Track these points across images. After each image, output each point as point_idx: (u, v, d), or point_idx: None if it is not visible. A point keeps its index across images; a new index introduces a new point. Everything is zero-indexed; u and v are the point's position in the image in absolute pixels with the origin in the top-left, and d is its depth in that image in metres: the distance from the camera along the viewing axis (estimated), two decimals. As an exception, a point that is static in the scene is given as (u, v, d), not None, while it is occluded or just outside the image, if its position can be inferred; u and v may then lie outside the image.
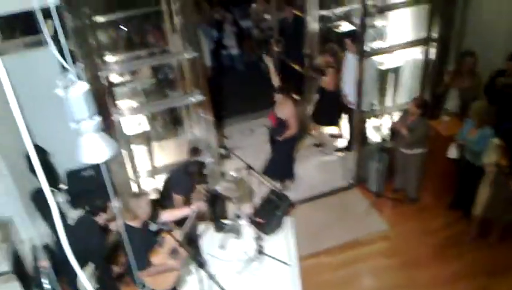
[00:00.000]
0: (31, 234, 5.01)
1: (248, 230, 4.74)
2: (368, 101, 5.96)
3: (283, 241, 4.65)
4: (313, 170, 6.93)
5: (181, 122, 6.76)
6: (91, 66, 4.86)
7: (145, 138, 6.27)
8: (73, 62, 1.68)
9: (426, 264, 5.35)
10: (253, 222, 4.72)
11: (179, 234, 4.04)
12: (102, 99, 5.00)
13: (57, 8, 1.91)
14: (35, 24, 1.86)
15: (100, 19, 5.65)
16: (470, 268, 5.25)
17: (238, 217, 4.79)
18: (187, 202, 4.89)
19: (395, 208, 6.22)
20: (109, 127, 5.07)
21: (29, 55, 5.33)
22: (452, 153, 5.56)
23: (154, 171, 6.19)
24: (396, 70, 6.76)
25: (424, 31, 6.11)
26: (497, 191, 5.02)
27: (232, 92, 8.49)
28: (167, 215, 4.27)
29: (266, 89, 6.05)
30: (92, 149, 1.77)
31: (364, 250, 5.67)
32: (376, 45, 6.82)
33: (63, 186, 5.96)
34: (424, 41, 6.17)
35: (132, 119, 5.98)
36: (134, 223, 3.91)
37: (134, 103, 6.41)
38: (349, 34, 7.04)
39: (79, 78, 1.70)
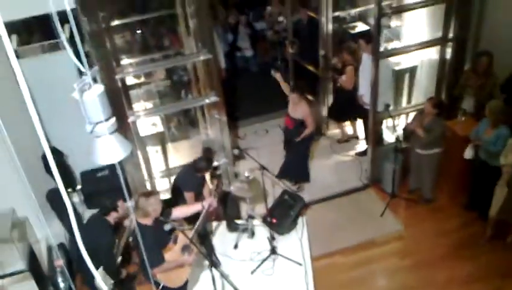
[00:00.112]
0: (46, 233, 5.10)
1: (261, 230, 4.77)
2: (383, 102, 5.93)
3: (296, 242, 4.66)
4: (327, 171, 6.92)
5: (196, 124, 6.82)
6: (107, 68, 4.94)
7: (160, 139, 6.33)
8: (90, 65, 1.71)
9: (440, 265, 5.32)
10: (267, 222, 4.74)
11: (191, 232, 4.06)
12: (118, 101, 5.07)
13: (73, 11, 1.95)
14: (52, 29, 1.89)
15: (116, 22, 5.72)
16: (484, 270, 5.20)
17: (252, 217, 4.82)
18: (198, 199, 4.90)
19: (410, 208, 6.18)
20: (124, 128, 5.14)
21: (47, 59, 5.44)
22: (469, 154, 5.50)
23: (168, 172, 6.25)
24: (412, 71, 6.71)
25: (439, 31, 6.06)
26: (513, 193, 4.95)
27: (246, 94, 8.55)
28: (178, 212, 4.31)
29: (280, 91, 6.06)
30: (106, 150, 1.80)
31: (378, 251, 5.65)
32: (391, 45, 6.80)
33: (78, 187, 6.07)
34: (440, 42, 6.11)
35: (147, 120, 6.05)
36: (146, 221, 3.96)
37: (149, 105, 6.50)
38: (363, 34, 7.02)
39: (95, 80, 1.73)
